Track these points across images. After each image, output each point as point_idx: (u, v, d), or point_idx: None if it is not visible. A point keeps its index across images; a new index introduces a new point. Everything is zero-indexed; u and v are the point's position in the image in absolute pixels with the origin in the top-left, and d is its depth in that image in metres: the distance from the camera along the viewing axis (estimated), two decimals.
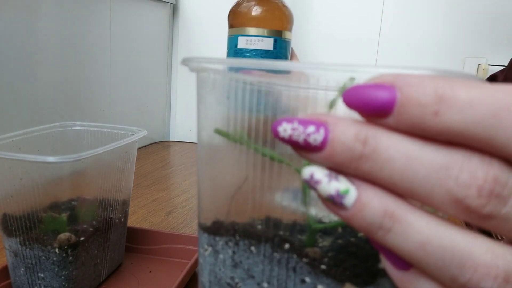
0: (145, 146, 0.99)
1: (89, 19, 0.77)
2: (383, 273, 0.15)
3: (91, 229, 0.37)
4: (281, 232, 0.17)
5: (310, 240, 0.17)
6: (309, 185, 0.14)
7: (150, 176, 0.76)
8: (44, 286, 0.35)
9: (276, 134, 0.14)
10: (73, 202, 0.37)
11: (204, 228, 0.19)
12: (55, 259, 0.35)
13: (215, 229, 0.18)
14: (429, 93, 0.12)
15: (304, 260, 0.16)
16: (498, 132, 0.12)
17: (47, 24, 0.68)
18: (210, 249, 0.19)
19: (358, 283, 0.16)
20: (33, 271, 0.35)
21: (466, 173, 0.12)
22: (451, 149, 0.13)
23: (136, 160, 0.44)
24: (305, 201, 0.17)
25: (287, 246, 0.17)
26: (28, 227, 0.34)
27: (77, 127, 0.44)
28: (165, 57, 1.06)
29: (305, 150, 0.14)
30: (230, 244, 0.18)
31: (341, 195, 0.14)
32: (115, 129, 0.44)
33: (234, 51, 0.81)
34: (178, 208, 0.62)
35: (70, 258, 0.35)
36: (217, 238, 0.18)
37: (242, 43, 0.77)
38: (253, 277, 0.17)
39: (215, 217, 0.19)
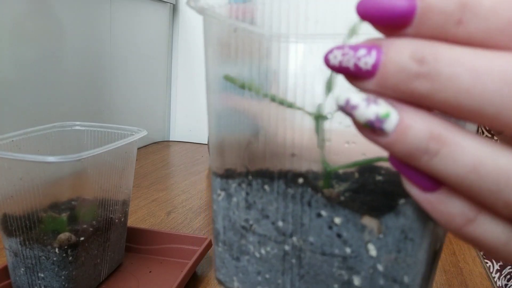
0: (145, 146, 0.99)
1: (89, 19, 0.77)
2: (403, 204, 0.15)
3: (91, 229, 0.37)
4: (295, 168, 0.16)
5: (325, 184, 0.16)
6: (345, 111, 0.13)
7: (150, 176, 0.76)
8: (44, 286, 0.35)
9: (327, 63, 0.13)
10: (73, 202, 0.37)
11: (216, 174, 0.19)
12: (55, 259, 0.35)
13: (227, 175, 0.18)
14: (452, 0, 0.12)
15: (320, 194, 0.16)
16: None
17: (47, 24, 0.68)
18: (223, 193, 0.18)
19: (377, 215, 0.15)
20: (33, 271, 0.35)
21: None
22: None
23: (136, 160, 0.44)
24: (320, 144, 0.16)
25: (301, 180, 0.16)
26: (28, 227, 0.34)
27: (77, 127, 0.44)
28: (165, 57, 1.06)
29: (357, 77, 0.13)
30: (243, 185, 0.17)
31: (381, 120, 0.12)
32: (115, 129, 0.44)
33: None
34: (178, 208, 0.62)
35: (70, 258, 0.35)
36: (230, 181, 0.18)
37: None
38: (267, 216, 0.17)
39: (227, 167, 0.18)
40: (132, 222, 0.55)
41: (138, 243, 0.47)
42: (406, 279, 0.15)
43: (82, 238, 0.36)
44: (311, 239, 0.16)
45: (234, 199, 0.18)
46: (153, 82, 1.02)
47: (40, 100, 0.67)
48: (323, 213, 0.16)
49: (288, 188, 0.16)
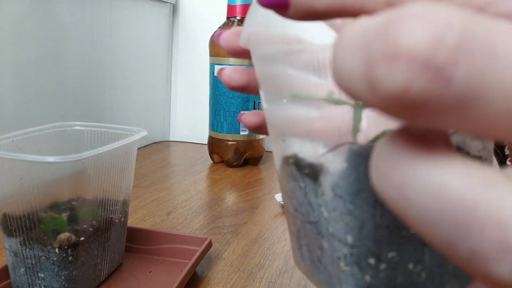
0: (145, 146, 0.99)
1: (89, 19, 0.77)
2: (327, 162, 0.16)
3: (91, 229, 0.37)
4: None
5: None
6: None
7: (150, 176, 0.76)
8: (44, 286, 0.35)
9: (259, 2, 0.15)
10: (73, 202, 0.37)
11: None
12: (55, 259, 0.35)
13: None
14: None
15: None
16: None
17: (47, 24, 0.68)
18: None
19: (316, 177, 0.16)
20: (33, 271, 0.35)
21: None
22: None
23: (136, 160, 0.44)
24: (354, 132, 0.17)
25: (291, 160, 0.18)
26: (28, 227, 0.34)
27: (77, 127, 0.44)
28: (165, 57, 1.06)
29: (277, 7, 0.14)
30: (281, 170, 0.20)
31: None
32: (115, 129, 0.44)
33: (212, 78, 0.86)
34: (178, 208, 0.62)
35: (70, 258, 0.35)
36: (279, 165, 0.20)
37: (217, 71, 0.83)
38: (290, 197, 0.19)
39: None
40: (132, 222, 0.55)
41: (138, 243, 0.47)
42: (349, 239, 0.15)
43: (82, 238, 0.36)
44: (302, 210, 0.17)
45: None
46: (153, 82, 1.02)
47: (40, 100, 0.68)
48: (301, 184, 0.17)
49: (287, 168, 0.18)
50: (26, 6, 0.63)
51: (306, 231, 0.17)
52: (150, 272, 0.44)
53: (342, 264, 0.15)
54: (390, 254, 0.15)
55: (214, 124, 0.87)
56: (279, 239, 0.54)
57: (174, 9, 1.06)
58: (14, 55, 0.62)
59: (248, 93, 0.25)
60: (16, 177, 0.33)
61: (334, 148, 0.15)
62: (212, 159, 0.89)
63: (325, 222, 0.16)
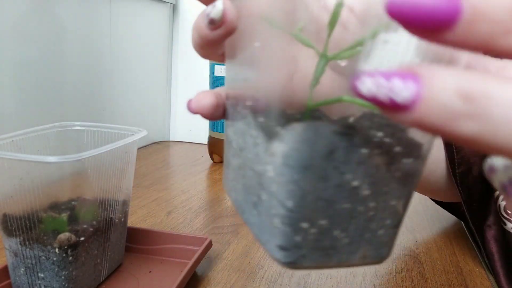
0: (145, 146, 0.99)
1: (89, 19, 0.77)
2: (283, 131, 0.16)
3: (91, 229, 0.37)
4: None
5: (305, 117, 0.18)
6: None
7: (150, 176, 0.76)
8: (44, 286, 0.35)
9: (356, 91, 0.12)
10: (73, 202, 0.37)
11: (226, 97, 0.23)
12: (55, 259, 0.35)
13: (229, 99, 0.23)
14: (503, 5, 0.10)
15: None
16: None
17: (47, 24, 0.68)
18: (228, 113, 0.22)
19: (270, 141, 0.17)
20: (33, 271, 0.35)
21: None
22: None
23: (136, 160, 0.44)
24: (313, 83, 0.17)
25: (249, 103, 0.19)
26: (28, 227, 0.34)
27: (77, 127, 0.44)
28: (165, 57, 1.06)
29: (392, 109, 0.11)
30: (230, 106, 0.22)
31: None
32: (115, 129, 0.44)
33: (212, 78, 0.86)
34: (178, 208, 0.62)
35: (70, 258, 0.35)
36: (229, 104, 0.22)
37: (217, 71, 0.84)
38: (236, 133, 0.21)
39: None
40: (132, 222, 0.55)
41: (138, 243, 0.47)
42: (289, 203, 0.16)
43: (82, 238, 0.36)
44: (248, 155, 0.19)
45: (228, 118, 0.22)
46: (153, 82, 1.02)
47: (40, 100, 0.68)
48: (254, 133, 0.18)
49: (243, 109, 0.19)
50: (26, 6, 0.63)
51: (246, 173, 0.19)
52: (150, 272, 0.44)
53: (276, 221, 0.16)
54: (322, 222, 0.16)
55: (214, 124, 0.87)
56: None
57: (174, 9, 1.06)
58: (14, 55, 0.62)
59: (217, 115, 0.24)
60: (16, 177, 0.33)
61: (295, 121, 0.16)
62: (212, 159, 0.89)
63: (269, 180, 0.16)
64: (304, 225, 0.16)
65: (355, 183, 0.16)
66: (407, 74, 0.11)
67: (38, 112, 0.67)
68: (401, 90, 0.11)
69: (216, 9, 0.19)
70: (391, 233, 0.18)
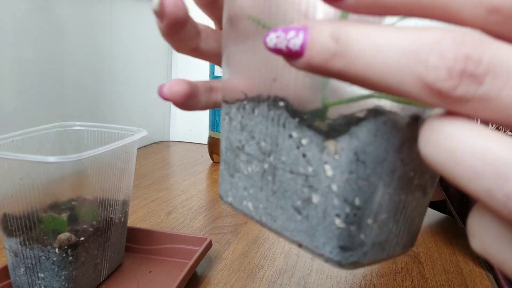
0: (145, 146, 0.99)
1: (89, 19, 0.77)
2: (357, 127, 0.16)
3: (91, 229, 0.37)
4: (280, 95, 0.18)
5: (322, 119, 0.17)
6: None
7: (150, 176, 0.76)
8: (44, 286, 0.35)
9: (265, 45, 0.14)
10: (73, 202, 0.37)
11: (224, 100, 0.21)
12: (55, 259, 0.35)
13: (231, 101, 0.21)
14: None
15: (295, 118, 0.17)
16: None
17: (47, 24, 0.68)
18: (227, 118, 0.21)
19: (334, 136, 0.16)
20: (33, 271, 0.35)
21: (435, 55, 0.12)
22: (423, 33, 0.12)
23: (136, 160, 0.44)
24: (323, 81, 0.17)
25: (281, 104, 0.18)
26: (28, 227, 0.34)
27: (77, 127, 0.44)
28: (165, 57, 1.06)
29: (289, 57, 0.14)
30: (240, 109, 0.20)
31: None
32: (115, 129, 0.44)
33: (212, 78, 0.86)
34: (178, 208, 0.62)
35: (70, 258, 0.35)
36: (231, 106, 0.20)
37: (218, 71, 0.85)
38: (253, 137, 0.19)
39: (233, 93, 0.21)
40: (132, 222, 0.55)
41: (138, 243, 0.47)
42: (357, 201, 0.16)
43: (82, 238, 0.36)
44: (283, 158, 0.18)
45: (233, 123, 0.20)
46: (153, 82, 1.02)
47: (40, 100, 0.67)
48: (294, 134, 0.17)
49: (270, 111, 0.18)
50: (26, 6, 0.63)
51: (278, 177, 0.18)
52: (150, 272, 0.44)
53: (338, 221, 0.16)
54: (383, 216, 0.16)
55: (214, 124, 0.87)
56: (279, 239, 0.54)
57: None
58: (14, 55, 0.62)
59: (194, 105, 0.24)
60: (16, 177, 0.33)
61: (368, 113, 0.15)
62: (212, 159, 0.89)
63: (326, 179, 0.16)
64: (369, 221, 0.16)
65: (412, 173, 0.16)
66: (299, 27, 0.13)
67: (38, 112, 0.67)
68: (293, 39, 0.13)
69: (154, 1, 0.20)
70: (422, 221, 0.18)
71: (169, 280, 0.42)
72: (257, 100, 0.19)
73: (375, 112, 0.15)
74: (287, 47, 0.13)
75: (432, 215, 0.65)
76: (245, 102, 0.20)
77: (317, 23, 0.13)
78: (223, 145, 0.21)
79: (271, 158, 0.18)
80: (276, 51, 0.14)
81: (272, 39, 0.14)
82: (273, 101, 0.18)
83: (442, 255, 0.53)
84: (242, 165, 0.20)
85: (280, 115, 0.18)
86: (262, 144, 0.19)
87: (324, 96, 0.17)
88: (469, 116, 0.12)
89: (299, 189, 0.17)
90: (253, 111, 0.19)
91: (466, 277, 0.47)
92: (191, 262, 0.41)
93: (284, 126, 0.17)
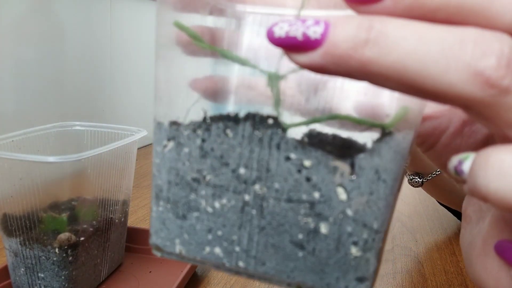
0: (145, 146, 0.99)
1: (89, 19, 0.77)
2: (378, 143, 0.15)
3: (91, 229, 0.37)
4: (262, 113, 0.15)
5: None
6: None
7: (150, 176, 0.76)
8: (44, 286, 0.35)
9: (270, 35, 0.13)
10: (73, 202, 0.37)
11: (162, 123, 0.17)
12: (55, 259, 0.35)
13: (179, 122, 0.16)
14: None
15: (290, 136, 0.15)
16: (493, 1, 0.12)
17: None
18: (171, 144, 0.17)
19: (350, 155, 0.15)
20: (33, 271, 0.35)
21: (482, 45, 0.12)
22: (461, 27, 0.12)
23: (136, 160, 0.44)
24: (276, 102, 0.15)
25: (270, 121, 0.15)
26: (28, 227, 0.34)
27: (77, 127, 0.44)
28: None
29: (301, 48, 0.12)
30: (199, 132, 0.16)
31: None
32: (115, 129, 0.44)
33: None
34: None
35: (70, 258, 0.35)
36: (182, 129, 0.16)
37: (219, 71, 0.84)
38: (227, 164, 0.16)
39: (178, 113, 0.17)
40: (132, 222, 0.55)
41: (138, 243, 0.47)
42: (375, 224, 0.14)
43: (82, 238, 0.36)
44: (276, 185, 0.15)
45: (186, 149, 0.16)
46: (153, 82, 1.02)
47: (40, 100, 0.67)
48: (293, 155, 0.15)
49: (255, 131, 0.15)
50: (26, 6, 0.63)
51: (269, 209, 0.15)
52: (150, 272, 0.44)
53: (355, 250, 0.14)
54: (386, 235, 0.15)
55: None
56: None
57: None
58: (14, 55, 0.62)
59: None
60: (16, 177, 0.33)
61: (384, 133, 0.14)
62: None
63: (340, 204, 0.14)
64: (383, 244, 0.15)
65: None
66: (319, 20, 0.13)
67: (38, 112, 0.67)
68: (314, 26, 0.12)
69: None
70: None
71: (169, 280, 0.42)
72: (232, 119, 0.15)
73: (386, 128, 0.14)
74: (304, 34, 0.12)
75: (432, 215, 0.65)
76: (208, 121, 0.16)
77: (341, 17, 0.12)
78: (163, 179, 0.17)
79: (256, 187, 0.15)
80: (284, 41, 0.13)
81: (283, 27, 0.13)
82: (260, 119, 0.15)
83: (442, 255, 0.53)
84: (202, 202, 0.16)
85: (272, 135, 0.15)
86: (242, 171, 0.15)
87: (279, 113, 0.15)
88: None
89: (301, 220, 0.15)
90: (224, 132, 0.15)
91: (466, 277, 0.47)
92: None
93: (278, 147, 0.15)
